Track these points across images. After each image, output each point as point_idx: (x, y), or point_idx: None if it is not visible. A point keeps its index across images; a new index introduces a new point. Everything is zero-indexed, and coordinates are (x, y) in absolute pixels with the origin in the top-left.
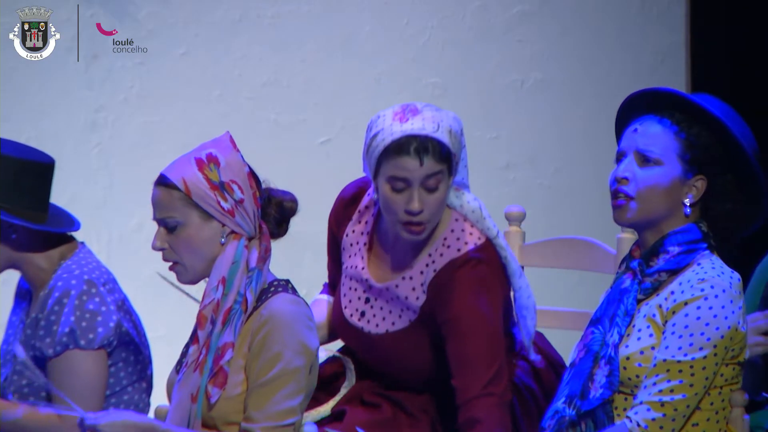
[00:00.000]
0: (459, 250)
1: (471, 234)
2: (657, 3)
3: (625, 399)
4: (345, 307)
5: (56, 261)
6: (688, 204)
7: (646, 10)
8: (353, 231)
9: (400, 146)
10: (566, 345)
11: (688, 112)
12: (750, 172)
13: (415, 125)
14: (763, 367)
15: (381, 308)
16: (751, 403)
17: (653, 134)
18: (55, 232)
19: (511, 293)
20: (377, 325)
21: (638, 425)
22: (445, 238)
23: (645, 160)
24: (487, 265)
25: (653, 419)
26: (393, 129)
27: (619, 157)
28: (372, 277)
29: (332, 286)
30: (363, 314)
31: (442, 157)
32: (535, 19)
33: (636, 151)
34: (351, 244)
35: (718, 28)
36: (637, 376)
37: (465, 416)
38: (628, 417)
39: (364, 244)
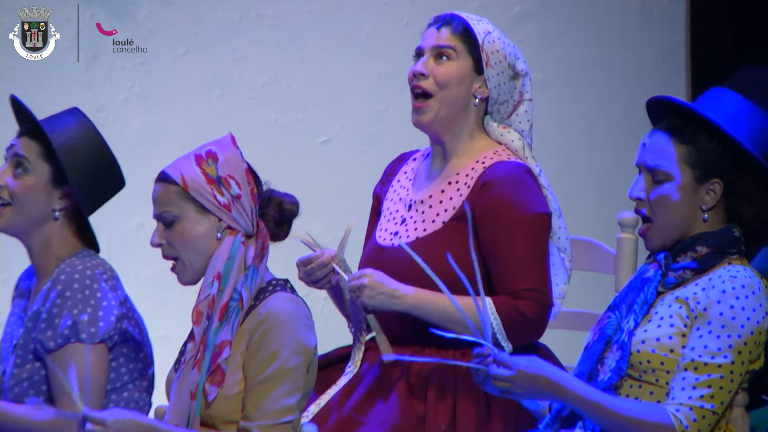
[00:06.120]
0: (509, 157)
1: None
2: (657, 3)
3: (630, 386)
4: (378, 237)
5: (63, 256)
6: (705, 209)
7: (646, 10)
8: (398, 181)
9: (430, 22)
10: (567, 345)
11: (690, 117)
12: (763, 173)
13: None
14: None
15: (415, 221)
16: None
17: (659, 148)
18: (91, 231)
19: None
20: (408, 236)
21: (681, 423)
22: (485, 155)
23: (655, 177)
24: (533, 183)
25: (694, 420)
26: None
27: (639, 171)
28: (414, 192)
29: None
30: (395, 234)
31: (460, 33)
32: (535, 19)
33: (646, 168)
34: (395, 191)
35: (718, 28)
36: (648, 362)
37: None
38: (670, 411)
39: (409, 180)
